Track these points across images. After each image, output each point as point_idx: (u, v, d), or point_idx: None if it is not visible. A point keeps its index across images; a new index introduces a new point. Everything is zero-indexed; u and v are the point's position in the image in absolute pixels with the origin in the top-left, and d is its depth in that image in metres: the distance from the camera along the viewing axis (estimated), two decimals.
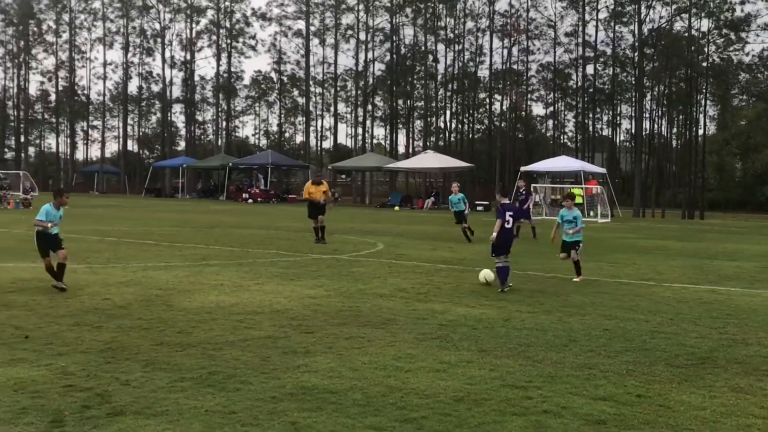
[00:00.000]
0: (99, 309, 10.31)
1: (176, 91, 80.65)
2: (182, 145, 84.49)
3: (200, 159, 72.24)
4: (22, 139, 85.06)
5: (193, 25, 76.67)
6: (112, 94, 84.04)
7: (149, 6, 77.18)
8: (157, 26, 77.90)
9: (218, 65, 76.22)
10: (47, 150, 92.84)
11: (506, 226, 12.72)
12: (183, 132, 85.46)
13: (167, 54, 78.01)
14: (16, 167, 68.78)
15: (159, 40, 78.17)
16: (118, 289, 12.00)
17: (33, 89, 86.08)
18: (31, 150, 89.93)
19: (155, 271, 14.33)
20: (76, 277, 13.09)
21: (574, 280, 13.98)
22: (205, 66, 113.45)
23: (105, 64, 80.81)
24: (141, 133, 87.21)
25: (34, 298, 11.11)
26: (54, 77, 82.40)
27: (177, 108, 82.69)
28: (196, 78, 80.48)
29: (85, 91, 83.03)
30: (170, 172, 73.37)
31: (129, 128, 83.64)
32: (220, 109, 79.35)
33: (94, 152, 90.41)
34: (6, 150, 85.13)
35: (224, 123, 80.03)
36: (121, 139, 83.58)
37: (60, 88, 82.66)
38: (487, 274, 13.13)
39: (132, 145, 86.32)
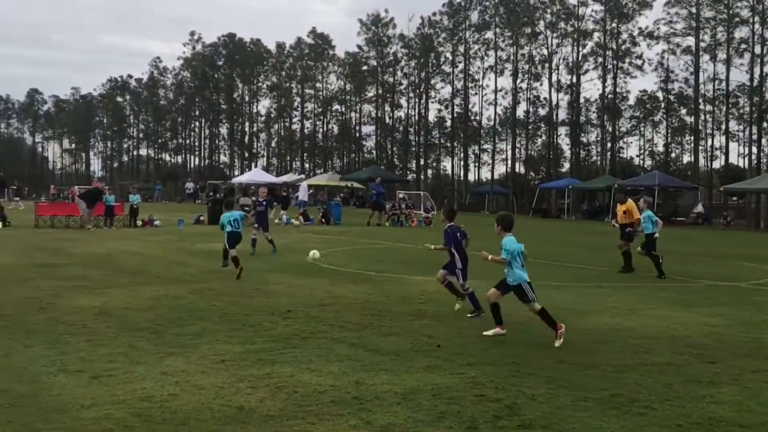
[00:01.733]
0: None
1: (562, 114, 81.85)
2: (566, 166, 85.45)
3: (585, 180, 72.20)
4: (422, 161, 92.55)
5: (580, 49, 77.11)
6: (501, 119, 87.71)
7: (537, 33, 79.26)
8: (545, 52, 79.66)
9: (603, 87, 75.88)
10: (443, 172, 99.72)
11: (462, 248, 11.80)
12: (568, 154, 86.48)
13: (554, 78, 79.50)
14: (416, 188, 74.99)
15: (546, 65, 79.90)
16: (518, 307, 12.54)
17: (431, 116, 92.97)
18: (429, 172, 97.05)
19: (549, 290, 14.71)
20: (479, 294, 13.95)
21: None
22: (591, 88, 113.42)
23: (495, 91, 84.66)
24: (528, 155, 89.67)
25: (442, 310, 12.08)
26: (450, 104, 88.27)
27: (562, 130, 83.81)
28: (581, 100, 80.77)
29: (477, 117, 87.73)
30: (555, 193, 74.33)
31: (516, 151, 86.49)
32: (604, 131, 78.82)
33: (485, 174, 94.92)
34: (408, 172, 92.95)
35: (609, 144, 79.30)
36: (509, 161, 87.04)
37: (455, 115, 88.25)
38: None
39: (519, 167, 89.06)
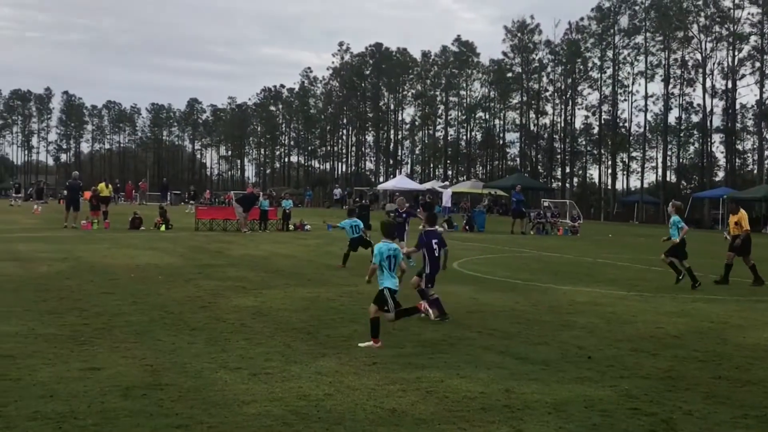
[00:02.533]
0: (654, 337, 10.61)
1: (716, 121, 78.24)
2: (720, 175, 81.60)
3: (740, 190, 68.72)
4: (567, 169, 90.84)
5: (736, 53, 73.55)
6: (651, 126, 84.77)
7: (690, 37, 76.23)
8: (698, 56, 76.50)
9: (761, 92, 71.95)
10: (589, 180, 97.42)
11: (435, 254, 11.57)
12: (722, 162, 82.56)
13: (708, 83, 76.15)
14: (561, 196, 73.63)
15: (700, 70, 76.68)
16: (670, 319, 12.19)
17: (578, 123, 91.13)
18: (575, 180, 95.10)
19: (704, 303, 14.18)
20: (629, 304, 13.65)
21: None
22: (747, 94, 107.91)
23: (646, 97, 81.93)
24: (679, 164, 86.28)
25: (592, 320, 11.87)
26: (597, 111, 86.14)
27: (716, 137, 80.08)
28: (737, 106, 76.98)
29: (626, 124, 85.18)
30: (709, 203, 71.15)
31: (668, 159, 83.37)
32: (762, 138, 74.73)
33: (633, 182, 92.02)
34: (552, 180, 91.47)
35: (766, 152, 75.10)
36: (659, 170, 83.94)
37: (602, 122, 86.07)
38: None
39: (670, 176, 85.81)
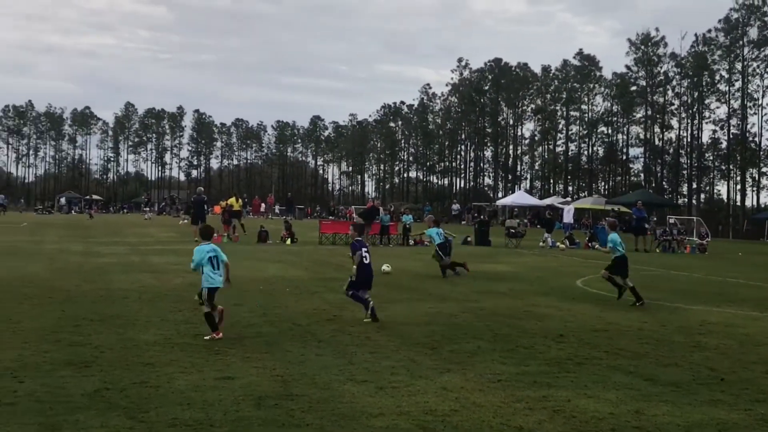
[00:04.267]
0: None
1: None
2: None
3: None
4: (693, 185, 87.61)
5: None
6: None
7: None
8: None
9: None
10: (717, 196, 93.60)
11: (365, 261, 12.43)
12: None
13: None
14: (687, 213, 71.04)
15: None
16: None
17: (705, 137, 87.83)
18: (702, 196, 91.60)
19: None
20: (763, 326, 13.09)
21: None
22: None
23: None
24: None
25: (724, 342, 11.46)
26: (725, 125, 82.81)
27: None
28: None
29: (756, 138, 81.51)
30: None
31: None
32: None
33: (764, 199, 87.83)
34: (678, 196, 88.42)
35: None
36: None
37: (731, 136, 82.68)
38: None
39: None
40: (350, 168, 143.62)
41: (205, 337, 10.56)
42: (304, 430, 6.64)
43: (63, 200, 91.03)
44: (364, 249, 12.82)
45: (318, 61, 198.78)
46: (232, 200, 36.02)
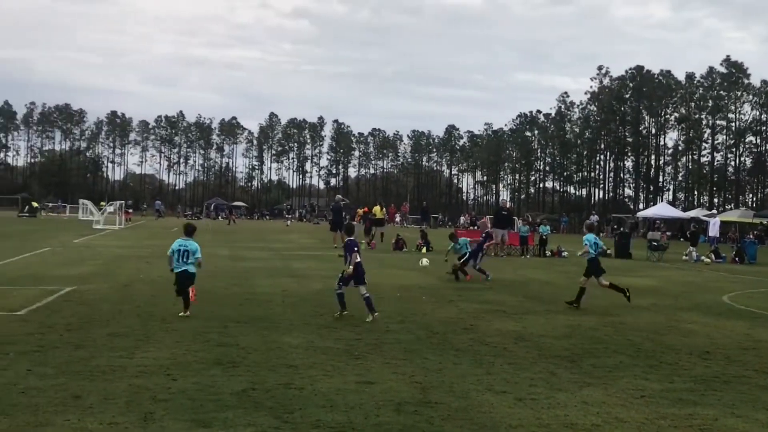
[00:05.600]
0: None
1: None
2: None
3: None
4: None
5: None
6: None
7: None
8: None
9: None
10: None
11: (357, 259, 13.25)
12: None
13: None
14: None
15: None
16: None
17: None
18: None
19: None
20: None
21: None
22: None
23: None
24: None
25: None
26: None
27: None
28: None
29: None
30: None
31: None
32: None
33: None
34: None
35: None
36: None
37: None
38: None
39: None
40: (485, 177, 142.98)
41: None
42: None
43: (212, 206, 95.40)
44: (355, 248, 13.56)
45: (454, 71, 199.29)
46: (376, 209, 36.84)
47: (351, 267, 13.24)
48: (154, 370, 8.88)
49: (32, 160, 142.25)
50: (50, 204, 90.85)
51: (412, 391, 8.27)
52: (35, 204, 75.43)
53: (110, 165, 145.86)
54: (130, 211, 63.94)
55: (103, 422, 6.77)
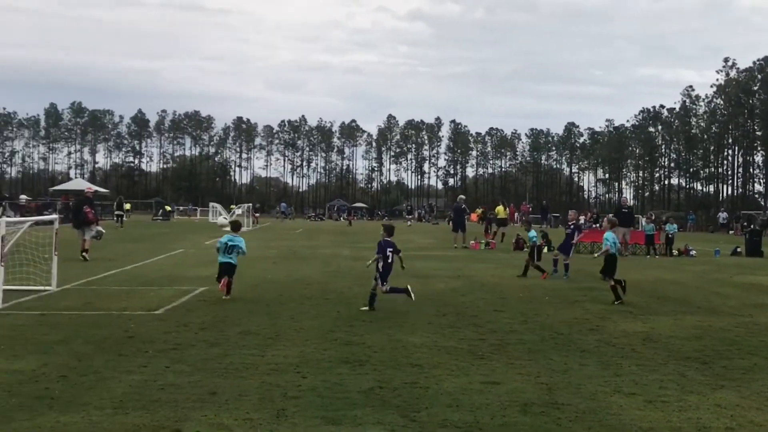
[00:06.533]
0: None
1: None
2: None
3: None
4: None
5: None
6: None
7: None
8: None
9: None
10: None
11: (388, 260, 14.30)
12: None
13: None
14: None
15: None
16: None
17: None
18: None
19: None
20: None
21: None
22: None
23: None
24: None
25: None
26: None
27: None
28: None
29: None
30: None
31: None
32: None
33: None
34: None
35: None
36: None
37: None
38: None
39: None
40: (606, 175, 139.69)
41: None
42: None
43: (335, 208, 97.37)
44: (389, 249, 14.41)
45: (572, 68, 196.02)
46: (499, 208, 36.85)
47: (379, 264, 14.26)
48: (285, 367, 9.18)
49: (164, 166, 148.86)
50: (181, 207, 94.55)
51: (538, 392, 8.25)
52: (168, 207, 78.70)
53: (237, 169, 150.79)
54: (257, 213, 65.89)
55: (238, 418, 7.06)
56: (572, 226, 22.48)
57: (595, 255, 18.81)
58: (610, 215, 19.99)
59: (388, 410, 7.40)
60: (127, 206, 61.24)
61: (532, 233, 22.00)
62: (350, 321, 12.76)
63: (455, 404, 7.66)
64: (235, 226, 16.43)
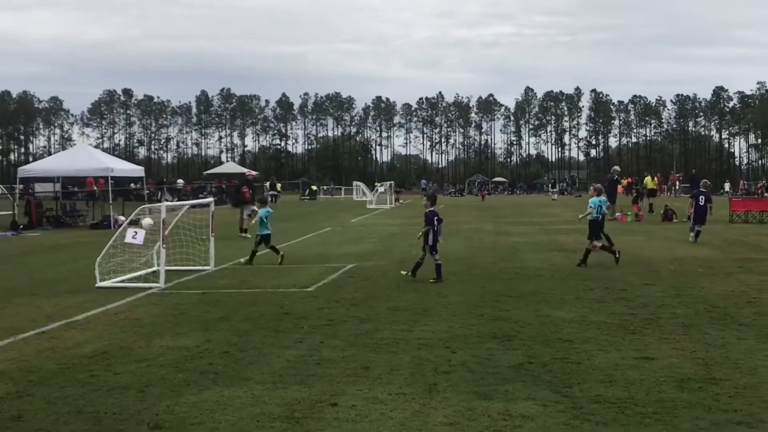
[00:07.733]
0: None
1: None
2: None
3: None
4: None
5: None
6: None
7: None
8: None
9: None
10: None
11: (434, 229, 14.53)
12: None
13: None
14: None
15: None
16: None
17: None
18: None
19: None
20: None
21: None
22: None
23: None
24: None
25: None
26: None
27: None
28: None
29: None
30: None
31: None
32: None
33: None
34: None
35: None
36: None
37: None
38: None
39: None
40: (759, 141, 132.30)
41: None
42: (731, 415, 6.47)
43: (476, 183, 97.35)
44: (435, 218, 14.55)
45: (719, 29, 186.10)
46: (647, 179, 36.12)
47: (420, 235, 14.75)
48: (434, 342, 9.34)
49: (309, 147, 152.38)
50: (325, 187, 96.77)
51: (695, 367, 8.05)
52: (314, 187, 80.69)
53: (378, 148, 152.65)
54: (400, 190, 66.53)
55: (392, 392, 7.25)
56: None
57: (579, 217, 18.61)
58: (596, 184, 19.89)
59: (539, 386, 7.42)
60: (279, 187, 63.16)
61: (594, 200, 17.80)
62: (496, 296, 12.79)
63: (608, 380, 7.59)
64: (263, 200, 20.98)
